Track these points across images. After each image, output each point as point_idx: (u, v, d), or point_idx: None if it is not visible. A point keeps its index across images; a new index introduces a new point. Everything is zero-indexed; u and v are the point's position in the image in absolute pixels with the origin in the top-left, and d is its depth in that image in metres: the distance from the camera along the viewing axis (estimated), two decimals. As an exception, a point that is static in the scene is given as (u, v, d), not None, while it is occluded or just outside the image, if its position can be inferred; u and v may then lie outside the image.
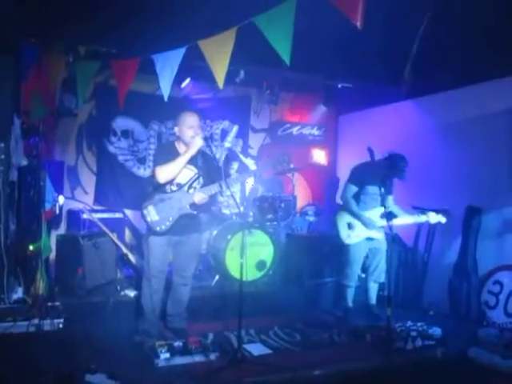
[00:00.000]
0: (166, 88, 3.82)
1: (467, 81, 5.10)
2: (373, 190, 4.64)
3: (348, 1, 2.88)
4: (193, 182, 3.87)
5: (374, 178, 4.54)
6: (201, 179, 3.90)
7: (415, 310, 5.13)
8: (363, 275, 4.96)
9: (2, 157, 4.07)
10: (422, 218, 4.72)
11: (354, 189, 4.69)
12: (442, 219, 4.70)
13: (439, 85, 5.43)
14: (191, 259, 4.07)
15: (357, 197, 4.71)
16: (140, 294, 4.07)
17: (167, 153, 3.86)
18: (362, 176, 4.69)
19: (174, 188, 3.84)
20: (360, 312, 4.87)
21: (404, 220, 4.72)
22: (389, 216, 4.34)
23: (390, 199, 4.81)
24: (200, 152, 3.86)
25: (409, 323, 4.26)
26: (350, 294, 4.84)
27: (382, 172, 4.53)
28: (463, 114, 5.30)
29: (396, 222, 4.65)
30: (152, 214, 3.78)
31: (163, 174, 3.72)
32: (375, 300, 4.88)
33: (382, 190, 4.32)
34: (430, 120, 5.80)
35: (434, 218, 4.68)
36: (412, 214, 4.83)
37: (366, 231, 4.66)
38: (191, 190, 3.85)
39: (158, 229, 3.78)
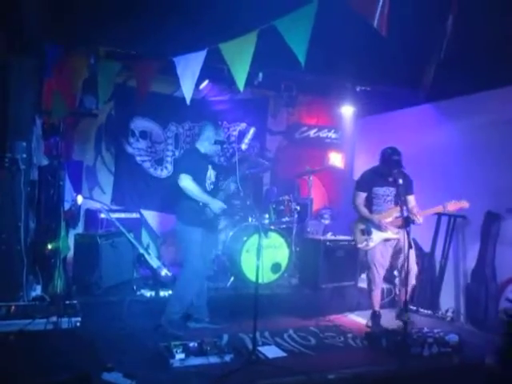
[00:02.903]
0: (188, 91, 3.84)
1: (487, 85, 5.03)
2: (382, 191, 4.67)
3: (371, 8, 2.87)
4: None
5: (381, 179, 4.64)
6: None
7: (432, 316, 5.08)
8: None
9: (24, 156, 4.14)
10: (439, 209, 4.53)
11: (361, 195, 4.74)
12: (465, 204, 4.44)
13: (459, 89, 5.38)
14: (211, 255, 4.73)
15: (370, 201, 4.72)
16: (177, 289, 4.32)
17: (196, 160, 4.29)
18: (367, 180, 4.76)
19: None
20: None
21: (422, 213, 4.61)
22: (406, 221, 4.31)
23: (411, 199, 4.71)
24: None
25: (425, 329, 4.22)
26: (376, 298, 4.79)
27: (384, 171, 4.61)
28: (483, 118, 5.23)
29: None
30: None
31: (188, 185, 4.11)
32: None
33: (392, 190, 4.54)
34: (449, 124, 5.74)
35: (453, 205, 4.46)
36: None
37: (381, 233, 4.64)
38: None
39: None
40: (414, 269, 4.59)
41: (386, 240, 4.66)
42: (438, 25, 5.45)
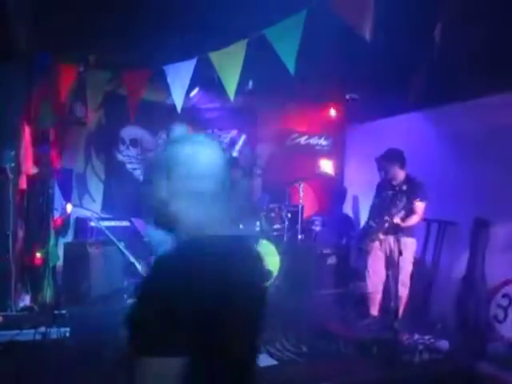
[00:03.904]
0: (178, 100, 3.86)
1: (477, 93, 5.08)
2: (381, 199, 4.84)
3: (356, 14, 2.90)
4: None
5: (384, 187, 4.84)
6: None
7: (422, 323, 5.09)
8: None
9: (12, 165, 4.11)
10: None
11: (375, 200, 4.94)
12: None
13: (448, 96, 5.42)
14: None
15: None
16: None
17: None
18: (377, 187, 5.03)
19: None
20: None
21: None
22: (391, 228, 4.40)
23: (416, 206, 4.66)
24: None
25: (416, 336, 4.23)
26: (369, 304, 4.84)
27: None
28: (473, 125, 5.27)
29: None
30: None
31: None
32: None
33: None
34: (438, 131, 5.79)
35: None
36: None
37: (375, 237, 4.73)
38: None
39: None
40: (405, 282, 4.57)
41: (380, 245, 4.71)
42: (428, 31, 5.48)
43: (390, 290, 4.88)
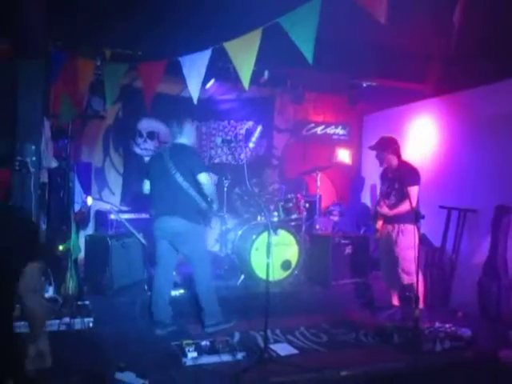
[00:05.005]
0: (195, 91, 3.85)
1: (495, 78, 5.00)
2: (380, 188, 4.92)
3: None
4: None
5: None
6: None
7: (443, 311, 5.06)
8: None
9: (33, 159, 4.17)
10: None
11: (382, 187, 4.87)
12: None
13: (466, 82, 5.34)
14: None
15: None
16: (206, 288, 4.22)
17: None
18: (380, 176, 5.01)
19: None
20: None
21: None
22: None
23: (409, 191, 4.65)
24: None
25: (437, 324, 4.20)
26: (388, 293, 4.84)
27: None
28: (492, 110, 5.19)
29: None
30: None
31: (209, 182, 4.12)
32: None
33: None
34: (456, 117, 5.71)
35: None
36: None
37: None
38: None
39: None
40: (407, 270, 4.48)
41: (382, 234, 4.73)
42: (445, 17, 5.40)
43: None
